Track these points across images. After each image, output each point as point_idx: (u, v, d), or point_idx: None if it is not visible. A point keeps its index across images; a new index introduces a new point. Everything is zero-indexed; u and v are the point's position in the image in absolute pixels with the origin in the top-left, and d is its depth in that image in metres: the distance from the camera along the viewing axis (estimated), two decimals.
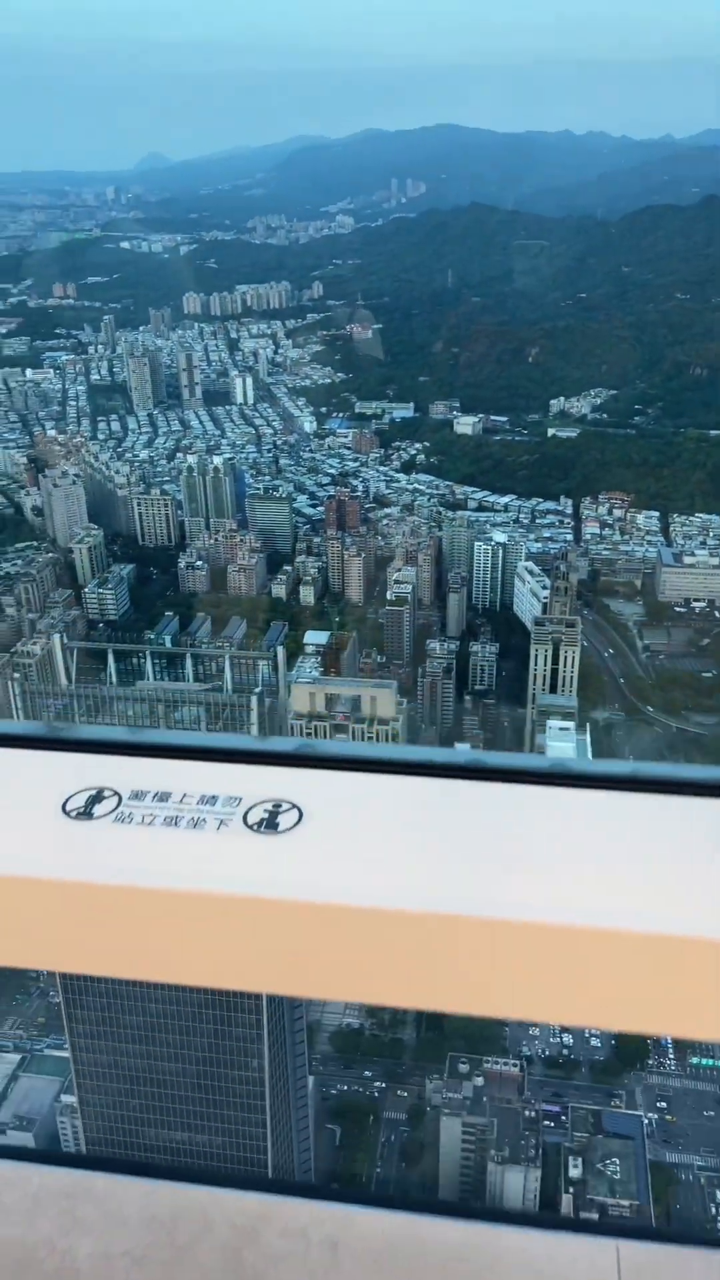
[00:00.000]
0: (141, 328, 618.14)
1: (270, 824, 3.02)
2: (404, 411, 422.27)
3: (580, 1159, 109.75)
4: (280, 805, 3.08)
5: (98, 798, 3.18)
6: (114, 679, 71.16)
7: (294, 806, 3.08)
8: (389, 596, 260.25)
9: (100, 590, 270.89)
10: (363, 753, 3.49)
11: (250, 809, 3.10)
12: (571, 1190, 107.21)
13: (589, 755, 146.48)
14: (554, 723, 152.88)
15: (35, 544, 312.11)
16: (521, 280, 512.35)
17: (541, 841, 3.12)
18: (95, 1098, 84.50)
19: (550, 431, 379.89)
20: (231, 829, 3.09)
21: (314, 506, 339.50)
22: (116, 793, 3.21)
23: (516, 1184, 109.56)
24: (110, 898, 3.00)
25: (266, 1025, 77.50)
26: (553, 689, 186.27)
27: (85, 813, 3.12)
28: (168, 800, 3.17)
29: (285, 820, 3.03)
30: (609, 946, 2.75)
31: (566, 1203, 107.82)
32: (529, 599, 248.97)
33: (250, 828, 3.07)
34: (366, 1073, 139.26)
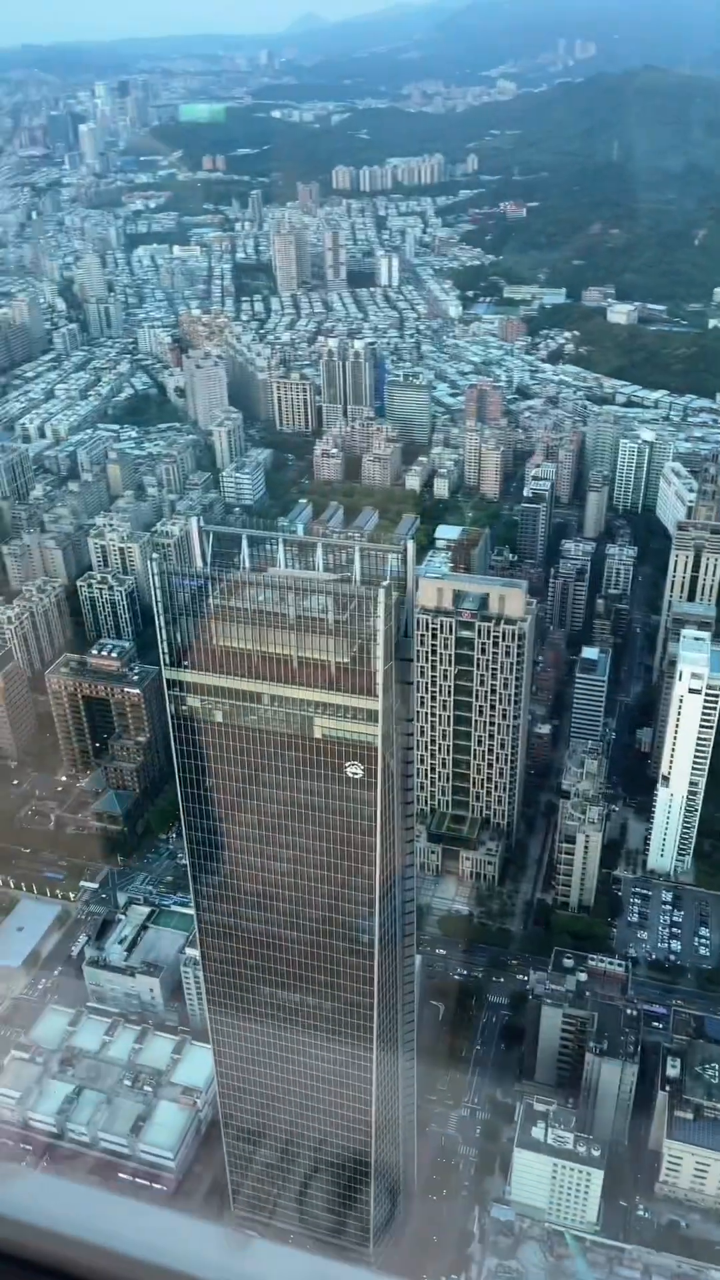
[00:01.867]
0: (289, 203, 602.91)
1: None
2: (555, 297, 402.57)
3: (679, 1060, 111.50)
4: None
5: None
6: (247, 564, 72.37)
7: None
8: (526, 493, 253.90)
9: (238, 475, 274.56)
10: None
11: None
12: (668, 1088, 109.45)
13: None
14: (689, 632, 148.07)
15: (177, 425, 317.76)
16: (693, 153, 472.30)
17: None
18: (216, 954, 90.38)
19: (711, 323, 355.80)
20: None
21: (454, 396, 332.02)
22: None
23: (612, 1077, 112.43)
24: None
25: (378, 901, 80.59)
26: (691, 597, 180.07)
27: None
28: None
29: None
30: None
31: (661, 1100, 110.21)
32: (673, 502, 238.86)
33: None
34: (474, 957, 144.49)
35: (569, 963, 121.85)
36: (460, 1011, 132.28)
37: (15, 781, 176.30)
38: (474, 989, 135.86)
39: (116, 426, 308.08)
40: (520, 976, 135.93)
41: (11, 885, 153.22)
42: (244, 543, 73.11)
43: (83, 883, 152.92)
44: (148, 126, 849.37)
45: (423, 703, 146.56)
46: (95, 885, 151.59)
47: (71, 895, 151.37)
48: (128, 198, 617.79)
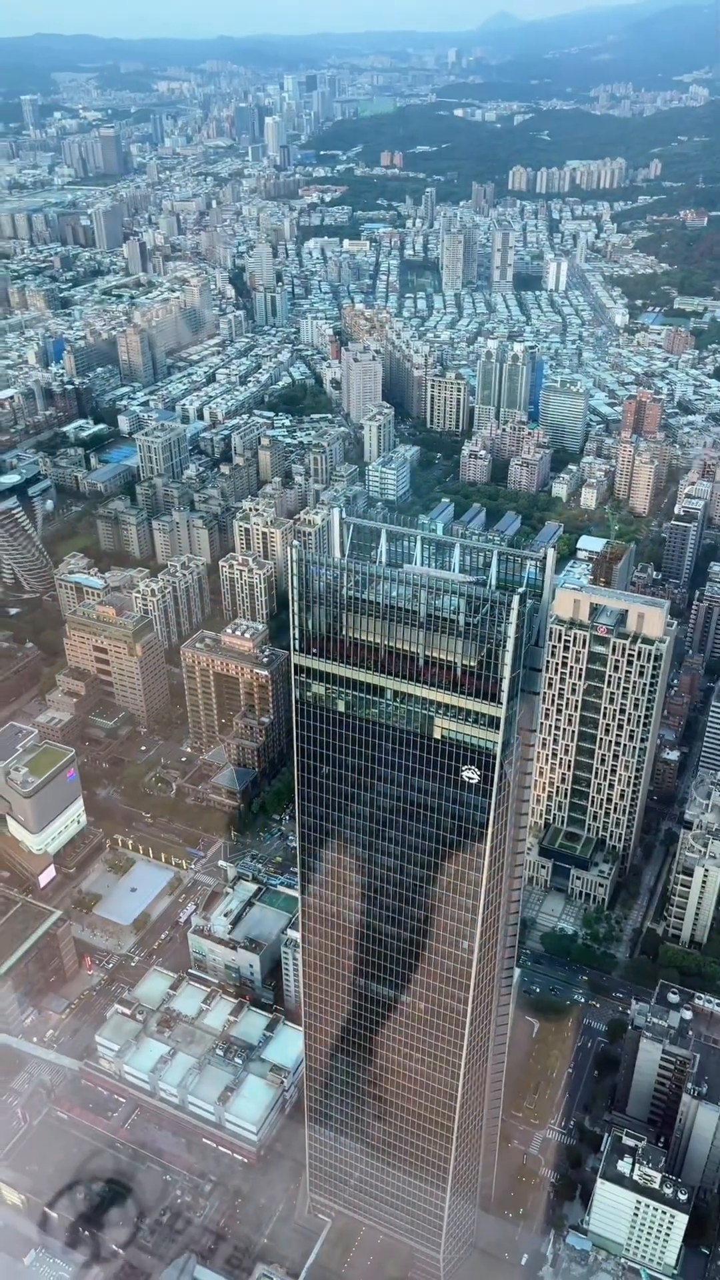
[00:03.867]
0: (462, 202, 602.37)
1: None
2: None
3: None
4: None
5: None
6: (384, 559, 72.64)
7: None
8: (677, 510, 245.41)
9: (384, 470, 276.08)
10: None
11: None
12: None
13: None
14: None
15: (329, 416, 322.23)
16: None
17: None
18: (316, 939, 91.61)
19: None
20: None
21: (611, 405, 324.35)
22: None
23: (708, 1122, 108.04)
24: None
25: (482, 908, 79.84)
26: None
27: None
28: None
29: None
30: None
31: None
32: None
33: None
34: (574, 978, 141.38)
35: (674, 998, 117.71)
36: (555, 1032, 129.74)
37: (144, 748, 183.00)
38: (572, 1011, 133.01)
39: (271, 413, 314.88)
40: (621, 1005, 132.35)
41: (130, 847, 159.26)
42: (383, 537, 73.50)
43: (194, 851, 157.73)
44: (331, 121, 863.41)
45: (547, 714, 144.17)
46: (207, 857, 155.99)
47: (184, 863, 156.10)
48: (304, 191, 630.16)
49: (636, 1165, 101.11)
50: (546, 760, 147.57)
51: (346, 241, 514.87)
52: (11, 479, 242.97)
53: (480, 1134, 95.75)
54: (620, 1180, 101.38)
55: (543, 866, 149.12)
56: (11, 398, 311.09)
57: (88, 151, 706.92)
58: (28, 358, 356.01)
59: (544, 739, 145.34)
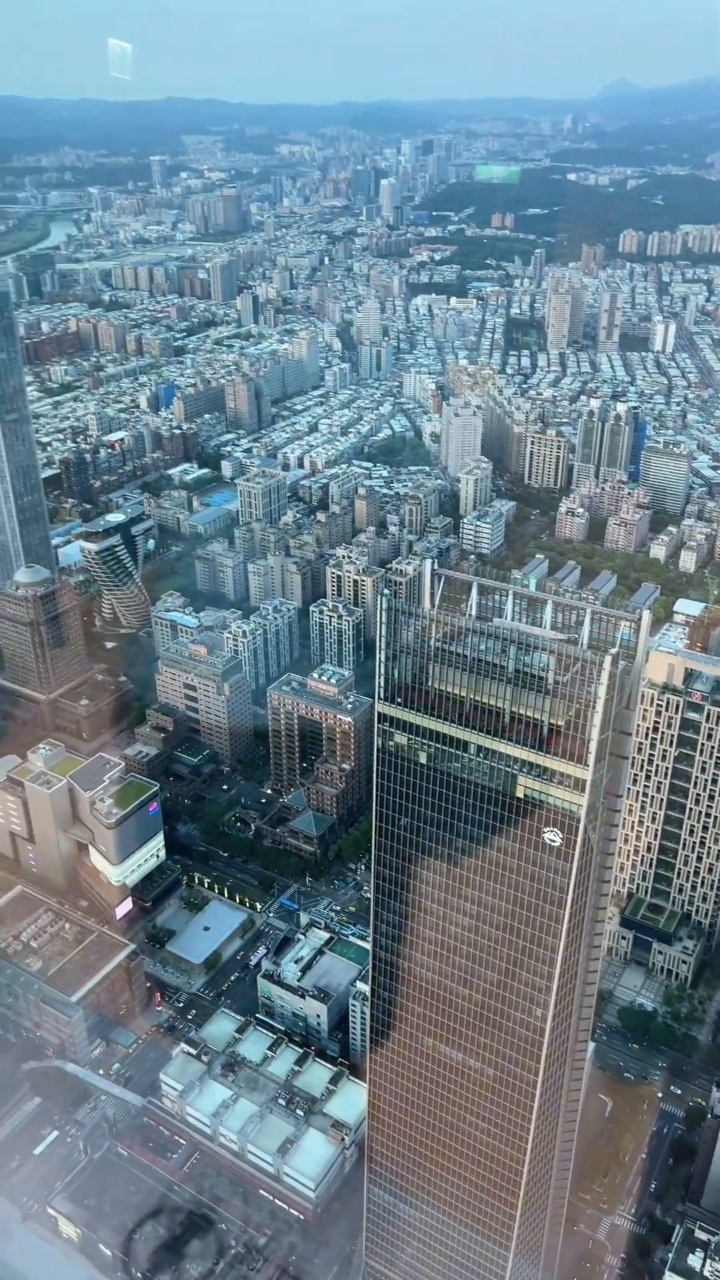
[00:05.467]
0: (571, 264, 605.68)
1: None
2: None
3: None
4: None
5: None
6: (474, 612, 72.30)
7: None
8: None
9: (478, 523, 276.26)
10: None
11: None
12: None
13: None
14: None
15: (427, 469, 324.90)
16: None
17: None
18: (386, 994, 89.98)
19: None
20: None
21: (715, 469, 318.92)
22: None
23: None
24: None
25: (557, 976, 77.41)
26: None
27: None
28: None
29: None
30: None
31: None
32: None
33: None
34: (652, 1057, 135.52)
35: None
36: (630, 1113, 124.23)
37: (225, 787, 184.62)
38: (648, 1093, 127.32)
39: (370, 464, 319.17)
40: (701, 1091, 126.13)
41: (205, 885, 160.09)
42: (474, 590, 73.26)
43: (286, 904, 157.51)
44: (445, 184, 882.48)
45: (635, 780, 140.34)
46: (281, 901, 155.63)
47: (258, 905, 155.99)
48: (415, 250, 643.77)
49: (709, 1261, 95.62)
50: (632, 827, 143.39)
51: (454, 299, 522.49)
52: (117, 517, 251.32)
53: (545, 1214, 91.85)
54: (690, 1275, 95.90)
55: (623, 937, 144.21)
56: (122, 440, 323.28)
57: (210, 209, 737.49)
58: (140, 402, 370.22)
59: (630, 805, 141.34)
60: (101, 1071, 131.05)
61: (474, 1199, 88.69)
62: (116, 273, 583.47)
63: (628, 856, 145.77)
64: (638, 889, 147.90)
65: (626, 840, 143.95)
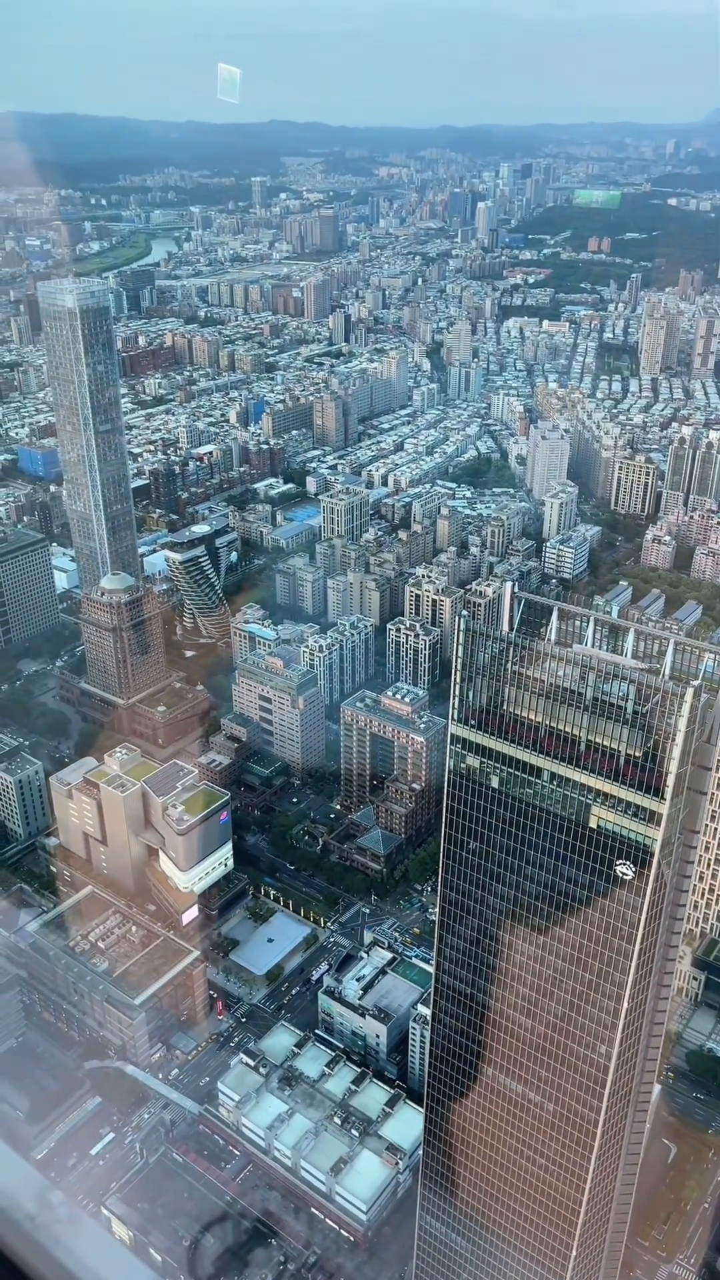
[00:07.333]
0: (668, 289, 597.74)
1: None
2: None
3: None
4: None
5: None
6: (553, 636, 71.31)
7: None
8: None
9: (561, 547, 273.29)
10: None
11: None
12: None
13: None
14: None
15: (511, 491, 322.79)
16: None
17: None
18: (447, 1019, 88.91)
19: None
20: None
21: None
22: None
23: None
24: None
25: (624, 1013, 75.46)
26: None
27: None
28: None
29: None
30: None
31: None
32: None
33: None
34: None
35: None
36: (694, 1160, 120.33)
37: (295, 800, 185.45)
38: (714, 1141, 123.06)
39: (454, 484, 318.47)
40: None
41: (271, 897, 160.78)
42: (554, 615, 72.39)
43: (334, 914, 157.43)
44: (542, 207, 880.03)
45: (713, 816, 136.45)
46: (346, 918, 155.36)
47: (322, 921, 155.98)
48: (509, 272, 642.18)
49: None
50: (708, 865, 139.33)
51: (546, 322, 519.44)
52: (202, 529, 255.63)
53: (601, 1256, 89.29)
54: None
55: (695, 978, 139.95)
56: (211, 453, 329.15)
57: (306, 229, 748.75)
58: (230, 417, 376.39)
59: (707, 842, 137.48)
60: (160, 1076, 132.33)
61: (528, 1236, 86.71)
62: (213, 289, 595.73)
63: (703, 895, 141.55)
64: (712, 929, 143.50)
65: (702, 878, 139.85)
